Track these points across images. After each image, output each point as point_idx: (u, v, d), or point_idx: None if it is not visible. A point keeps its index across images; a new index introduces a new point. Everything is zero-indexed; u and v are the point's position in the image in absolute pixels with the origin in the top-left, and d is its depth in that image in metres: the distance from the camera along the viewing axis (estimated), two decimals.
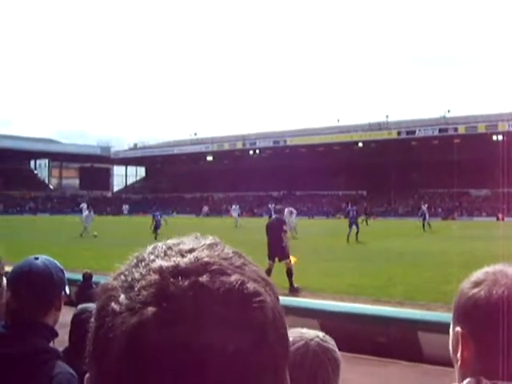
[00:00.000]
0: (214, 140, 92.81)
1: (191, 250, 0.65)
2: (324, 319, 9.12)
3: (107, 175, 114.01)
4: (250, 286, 0.61)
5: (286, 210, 31.41)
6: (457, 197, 71.56)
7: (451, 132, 73.63)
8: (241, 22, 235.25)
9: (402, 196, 74.81)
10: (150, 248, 0.67)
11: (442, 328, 7.63)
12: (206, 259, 0.62)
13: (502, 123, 69.47)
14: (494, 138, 69.92)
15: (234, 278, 0.59)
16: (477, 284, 1.31)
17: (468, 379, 1.27)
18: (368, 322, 9.22)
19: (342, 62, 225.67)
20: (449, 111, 75.77)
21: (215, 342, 0.54)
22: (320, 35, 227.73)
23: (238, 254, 0.67)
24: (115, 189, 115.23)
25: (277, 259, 14.87)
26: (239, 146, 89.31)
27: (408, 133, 76.39)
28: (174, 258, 0.63)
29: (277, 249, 14.95)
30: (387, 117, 79.70)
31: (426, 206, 45.22)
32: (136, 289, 0.59)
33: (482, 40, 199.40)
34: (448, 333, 1.42)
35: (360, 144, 79.51)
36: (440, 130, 74.21)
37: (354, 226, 31.25)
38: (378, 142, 78.85)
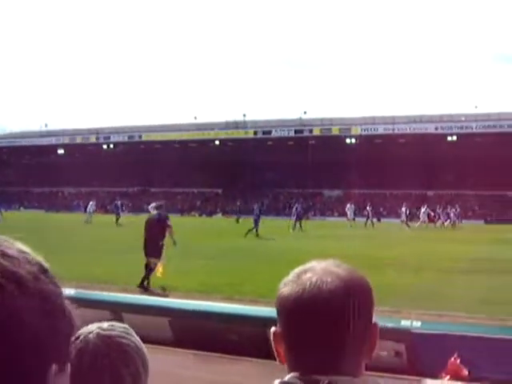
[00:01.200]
0: (66, 132, 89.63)
1: None
2: (174, 317, 9.06)
3: None
4: None
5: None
6: (311, 197, 73.28)
7: (306, 133, 75.29)
8: (99, 13, 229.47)
9: (258, 195, 75.56)
10: None
11: None
12: None
13: (355, 127, 72.19)
14: (348, 140, 72.43)
15: None
16: (285, 284, 1.37)
17: (290, 374, 1.32)
18: (220, 319, 9.00)
19: (200, 58, 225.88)
20: (305, 113, 77.46)
21: None
22: (178, 32, 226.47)
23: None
24: None
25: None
26: (92, 139, 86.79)
27: (264, 132, 77.29)
28: None
29: (152, 247, 14.88)
30: (244, 116, 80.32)
31: (299, 205, 45.63)
32: None
33: (340, 44, 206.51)
34: None
35: (217, 142, 79.49)
36: (296, 131, 75.67)
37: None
38: (234, 140, 79.23)
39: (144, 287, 14.10)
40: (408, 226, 44.97)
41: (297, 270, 1.39)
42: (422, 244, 28.69)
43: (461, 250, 24.61)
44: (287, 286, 1.36)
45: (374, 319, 1.38)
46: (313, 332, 1.30)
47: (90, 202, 53.83)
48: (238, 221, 47.84)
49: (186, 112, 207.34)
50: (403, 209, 48.85)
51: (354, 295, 1.32)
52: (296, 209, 44.01)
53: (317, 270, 1.35)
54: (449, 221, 50.34)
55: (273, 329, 1.38)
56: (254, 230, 34.54)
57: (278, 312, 1.37)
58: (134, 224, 44.04)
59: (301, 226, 41.78)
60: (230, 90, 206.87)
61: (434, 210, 53.21)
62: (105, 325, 1.62)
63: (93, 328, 1.59)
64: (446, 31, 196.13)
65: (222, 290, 13.80)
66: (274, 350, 1.39)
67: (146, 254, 14.95)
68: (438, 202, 64.53)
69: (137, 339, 1.63)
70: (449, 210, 52.58)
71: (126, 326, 1.64)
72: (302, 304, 1.30)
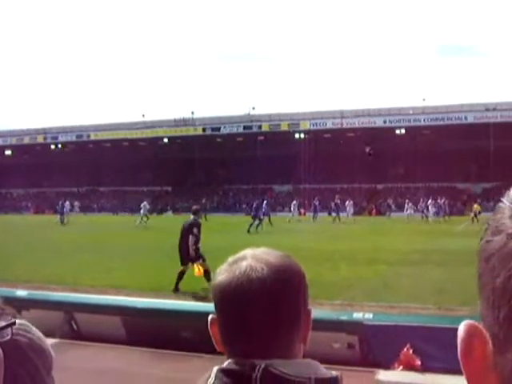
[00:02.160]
0: (13, 133, 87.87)
1: None
2: (127, 316, 9.00)
3: None
4: None
5: None
6: (261, 193, 73.41)
7: (255, 129, 75.34)
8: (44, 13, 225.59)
9: (208, 192, 75.37)
10: None
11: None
12: None
13: (303, 122, 72.48)
14: (297, 135, 72.68)
15: None
16: (219, 272, 1.42)
17: (228, 361, 1.37)
18: (173, 317, 8.98)
19: (146, 55, 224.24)
20: (253, 109, 77.52)
21: None
22: (124, 29, 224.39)
23: None
24: None
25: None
26: (40, 139, 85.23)
27: (213, 129, 77.07)
28: None
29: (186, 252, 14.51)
30: (193, 113, 79.93)
31: (258, 202, 45.78)
32: None
33: (287, 39, 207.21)
34: None
35: (165, 140, 79.05)
36: (244, 127, 75.64)
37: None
38: (183, 138, 78.88)
39: (177, 289, 13.97)
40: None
41: (230, 259, 1.43)
42: (372, 237, 28.98)
43: (411, 242, 24.93)
44: (221, 274, 1.40)
45: (310, 305, 1.44)
46: (246, 319, 1.34)
47: (67, 202, 53.18)
48: (206, 218, 47.73)
49: (134, 110, 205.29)
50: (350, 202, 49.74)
51: (286, 281, 1.36)
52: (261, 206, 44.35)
53: (249, 258, 1.40)
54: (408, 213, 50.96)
55: (210, 316, 1.43)
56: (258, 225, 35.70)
57: (214, 300, 1.41)
58: (81, 224, 43.96)
59: (270, 221, 42.03)
60: (177, 87, 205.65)
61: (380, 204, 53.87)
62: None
63: None
64: (391, 24, 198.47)
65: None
66: (212, 337, 1.45)
67: (182, 261, 14.57)
68: (388, 196, 65.54)
69: (36, 336, 1.49)
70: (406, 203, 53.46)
71: (24, 322, 1.48)
72: (235, 291, 1.34)
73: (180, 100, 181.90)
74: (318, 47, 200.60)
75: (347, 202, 51.52)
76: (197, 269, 14.17)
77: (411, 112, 70.08)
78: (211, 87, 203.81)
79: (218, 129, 76.96)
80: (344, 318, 8.09)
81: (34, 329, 1.43)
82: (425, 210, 49.43)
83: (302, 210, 59.29)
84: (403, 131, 69.89)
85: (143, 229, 38.37)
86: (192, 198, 71.24)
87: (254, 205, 37.74)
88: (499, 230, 0.50)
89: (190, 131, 77.92)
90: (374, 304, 11.81)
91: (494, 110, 65.90)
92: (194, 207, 16.31)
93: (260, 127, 75.03)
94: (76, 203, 70.98)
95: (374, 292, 13.31)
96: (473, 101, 69.00)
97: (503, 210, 0.53)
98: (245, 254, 1.43)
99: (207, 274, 13.77)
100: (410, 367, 7.03)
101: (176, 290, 13.92)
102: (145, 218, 44.89)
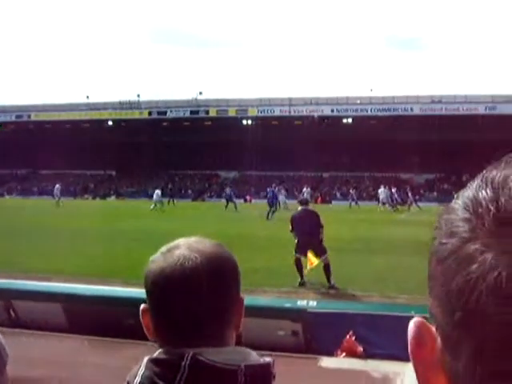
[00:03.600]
0: None
1: None
2: (67, 303, 8.80)
3: None
4: None
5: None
6: (207, 178, 73.23)
7: (202, 114, 74.96)
8: None
9: (153, 177, 74.80)
10: None
11: None
12: None
13: (251, 108, 72.40)
14: (244, 122, 72.65)
15: None
16: (152, 261, 1.43)
17: (158, 350, 1.39)
18: (115, 304, 8.78)
19: (92, 35, 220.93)
20: (201, 93, 77.05)
21: None
22: (69, 8, 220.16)
23: None
24: None
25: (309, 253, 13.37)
26: None
27: (159, 113, 76.44)
28: None
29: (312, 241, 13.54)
30: (139, 96, 79.00)
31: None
32: None
33: (236, 24, 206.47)
34: None
35: (110, 122, 78.02)
36: (191, 112, 75.15)
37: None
38: (128, 121, 77.97)
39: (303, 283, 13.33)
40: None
41: (163, 248, 1.45)
42: None
43: (355, 231, 25.18)
44: (153, 263, 1.42)
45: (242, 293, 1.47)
46: (177, 307, 1.37)
47: (56, 186, 52.05)
48: (174, 203, 47.42)
49: (78, 91, 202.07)
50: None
51: (218, 270, 1.39)
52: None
53: (182, 247, 1.41)
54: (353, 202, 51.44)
55: (142, 306, 1.45)
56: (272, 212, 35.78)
57: (145, 289, 1.43)
58: (20, 207, 43.05)
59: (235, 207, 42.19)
60: (123, 69, 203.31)
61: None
62: None
63: None
64: (341, 14, 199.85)
65: (119, 274, 13.54)
66: (144, 327, 1.46)
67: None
68: (334, 184, 66.15)
69: None
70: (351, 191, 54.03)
71: None
72: (166, 280, 1.36)
73: (126, 82, 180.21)
74: (268, 34, 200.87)
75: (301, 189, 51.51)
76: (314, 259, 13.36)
77: (358, 102, 70.74)
78: (158, 70, 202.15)
79: (165, 113, 76.27)
80: (288, 305, 8.12)
81: None
82: (385, 199, 49.26)
83: (248, 197, 59.41)
84: (350, 120, 70.57)
85: (85, 213, 37.75)
86: (137, 182, 70.76)
87: (270, 193, 38.48)
88: (453, 233, 0.50)
89: (136, 114, 77.01)
90: (318, 292, 11.90)
91: (440, 102, 67.00)
92: (302, 198, 15.98)
93: (207, 112, 74.67)
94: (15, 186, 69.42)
95: (317, 279, 13.40)
96: (419, 93, 70.10)
97: (456, 211, 0.53)
98: (178, 242, 1.44)
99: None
100: (352, 354, 7.11)
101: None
102: (159, 205, 44.29)
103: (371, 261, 16.42)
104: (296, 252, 13.54)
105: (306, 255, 13.29)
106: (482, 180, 0.53)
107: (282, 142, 69.06)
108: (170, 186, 59.93)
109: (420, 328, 0.53)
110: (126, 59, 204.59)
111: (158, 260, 1.41)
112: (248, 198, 59.57)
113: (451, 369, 0.48)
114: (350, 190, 55.01)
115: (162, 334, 1.40)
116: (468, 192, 0.54)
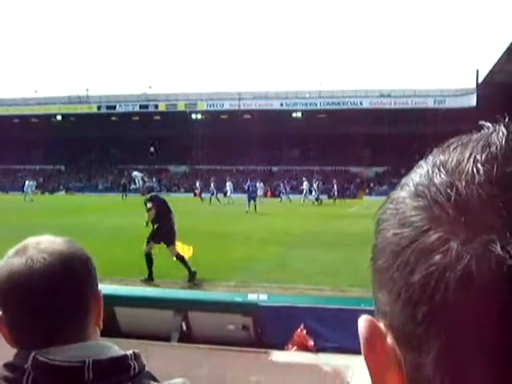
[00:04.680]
0: None
1: None
2: None
3: None
4: None
5: None
6: (156, 173, 72.77)
7: (152, 109, 74.65)
8: None
9: (102, 172, 74.07)
10: None
11: (137, 303, 7.23)
12: None
13: (200, 102, 72.24)
14: (193, 116, 72.42)
15: None
16: (1, 264, 1.37)
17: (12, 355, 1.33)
18: None
19: (39, 29, 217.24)
20: (150, 88, 76.75)
21: None
22: (18, 2, 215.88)
23: None
24: None
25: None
26: None
27: (108, 107, 75.79)
28: None
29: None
30: (87, 90, 78.42)
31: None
32: None
33: (186, 18, 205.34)
34: None
35: (59, 117, 77.07)
36: (141, 106, 74.72)
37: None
38: (77, 115, 77.09)
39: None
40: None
41: (11, 251, 1.38)
42: (265, 219, 29.23)
43: (304, 224, 25.30)
44: (3, 267, 1.35)
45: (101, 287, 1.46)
46: (28, 311, 1.32)
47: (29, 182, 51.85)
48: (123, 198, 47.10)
49: (26, 86, 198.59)
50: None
51: (68, 268, 1.35)
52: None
53: (30, 248, 1.36)
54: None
55: None
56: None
57: None
58: None
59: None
60: (71, 63, 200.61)
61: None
62: None
63: None
64: (289, 7, 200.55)
65: None
66: (2, 335, 1.39)
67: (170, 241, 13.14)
68: (283, 178, 66.41)
69: None
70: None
71: None
72: (18, 284, 1.31)
73: (75, 77, 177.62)
74: (217, 28, 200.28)
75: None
76: (186, 248, 12.96)
77: (308, 96, 71.10)
78: (107, 65, 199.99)
79: (114, 107, 75.68)
80: (239, 299, 8.07)
81: None
82: (314, 192, 49.54)
83: (197, 191, 59.16)
84: (299, 114, 70.88)
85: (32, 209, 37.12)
86: (85, 177, 69.98)
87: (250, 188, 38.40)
88: (405, 223, 0.48)
89: (85, 109, 76.20)
90: (269, 285, 11.90)
91: (389, 96, 67.78)
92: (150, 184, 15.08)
93: (156, 107, 74.41)
94: None
95: (269, 273, 13.41)
96: (368, 87, 70.83)
97: (405, 200, 0.51)
98: (27, 243, 1.39)
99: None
100: (303, 348, 7.10)
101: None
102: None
103: (322, 254, 16.49)
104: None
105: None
106: (432, 166, 0.50)
107: (232, 136, 69.06)
108: (123, 181, 59.61)
109: (370, 327, 0.51)
110: (75, 53, 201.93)
111: (5, 263, 1.35)
112: (197, 192, 59.28)
113: (412, 364, 0.46)
114: (302, 184, 54.60)
115: (16, 338, 1.35)
116: (417, 179, 0.51)
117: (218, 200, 47.50)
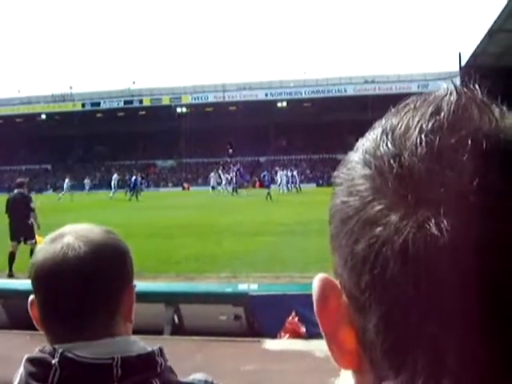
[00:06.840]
0: None
1: None
2: (7, 299, 8.55)
3: None
4: None
5: None
6: (143, 168, 72.57)
7: (136, 104, 74.45)
8: None
9: (89, 169, 73.78)
10: None
11: None
12: None
13: (185, 96, 72.08)
14: (178, 110, 72.29)
15: None
16: (38, 250, 1.38)
17: (37, 348, 1.33)
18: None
19: (21, 28, 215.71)
20: (134, 83, 76.48)
21: None
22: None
23: None
24: None
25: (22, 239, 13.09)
26: None
27: (93, 104, 75.53)
28: None
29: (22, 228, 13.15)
30: (71, 88, 77.85)
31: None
32: None
33: (167, 11, 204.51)
34: None
35: (43, 116, 76.62)
36: (125, 102, 74.52)
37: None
38: (62, 114, 76.75)
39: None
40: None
41: (51, 236, 1.38)
42: (255, 209, 29.25)
43: (293, 214, 25.34)
44: (39, 252, 1.36)
45: (135, 282, 1.43)
46: (61, 299, 1.31)
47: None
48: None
49: (9, 85, 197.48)
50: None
51: (104, 258, 1.34)
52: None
53: (67, 236, 1.35)
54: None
55: (30, 297, 1.39)
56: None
57: (31, 280, 1.37)
58: None
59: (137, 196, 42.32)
60: (54, 62, 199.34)
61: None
62: None
63: None
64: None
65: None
66: (33, 318, 1.40)
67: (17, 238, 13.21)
68: (271, 168, 66.39)
69: None
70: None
71: None
72: (50, 271, 1.31)
73: (58, 75, 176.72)
74: (198, 20, 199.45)
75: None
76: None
77: (292, 85, 71.08)
78: (90, 62, 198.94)
79: (98, 104, 75.44)
80: (229, 290, 8.15)
81: None
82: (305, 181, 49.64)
83: (186, 185, 59.19)
84: (285, 104, 70.86)
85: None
86: (73, 175, 69.62)
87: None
88: (355, 191, 0.48)
89: (69, 107, 75.88)
90: (259, 275, 11.97)
91: (373, 82, 67.87)
92: (20, 180, 15.14)
93: (141, 102, 74.22)
94: None
95: (258, 263, 13.47)
96: (352, 74, 70.89)
97: (356, 166, 0.51)
98: (64, 230, 1.39)
99: None
100: (295, 335, 7.17)
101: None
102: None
103: (311, 242, 16.56)
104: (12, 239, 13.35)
105: (20, 242, 13.20)
106: (382, 131, 0.50)
107: (218, 128, 68.93)
108: (116, 177, 59.61)
109: (324, 284, 0.52)
110: (57, 52, 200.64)
111: (42, 249, 1.36)
112: (186, 185, 59.29)
113: (359, 325, 0.47)
114: (294, 172, 54.03)
115: (48, 325, 1.36)
116: (367, 144, 0.51)
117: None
